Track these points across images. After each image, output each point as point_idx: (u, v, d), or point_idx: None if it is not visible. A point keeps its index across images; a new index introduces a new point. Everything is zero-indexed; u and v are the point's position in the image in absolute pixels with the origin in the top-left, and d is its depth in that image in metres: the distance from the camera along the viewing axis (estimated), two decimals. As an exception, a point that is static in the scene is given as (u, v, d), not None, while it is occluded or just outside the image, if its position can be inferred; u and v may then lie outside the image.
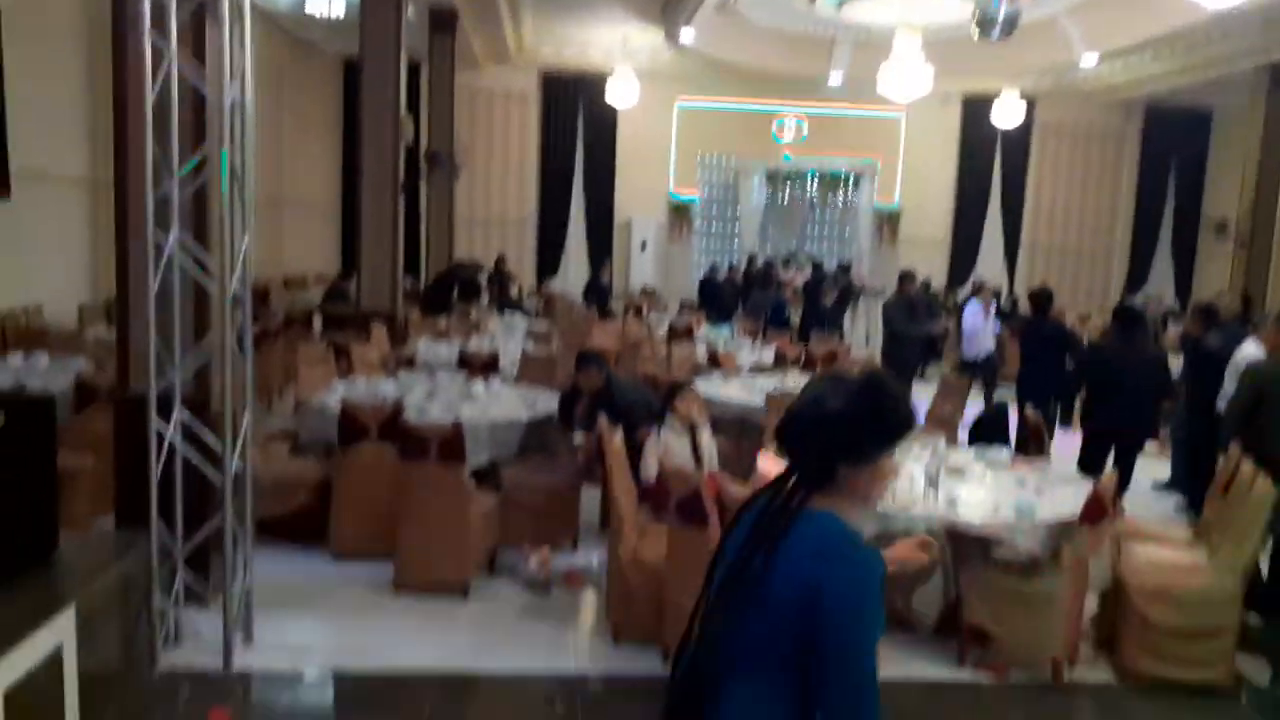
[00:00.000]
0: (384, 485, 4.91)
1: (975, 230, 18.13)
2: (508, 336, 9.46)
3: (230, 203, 3.85)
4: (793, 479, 1.75)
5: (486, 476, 5.34)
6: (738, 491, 3.77)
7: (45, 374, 6.16)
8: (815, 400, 1.74)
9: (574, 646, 4.41)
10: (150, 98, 3.67)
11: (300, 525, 5.22)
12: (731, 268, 15.50)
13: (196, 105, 3.99)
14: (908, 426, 1.75)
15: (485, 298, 13.37)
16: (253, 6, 3.89)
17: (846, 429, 1.70)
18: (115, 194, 4.12)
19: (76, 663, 3.16)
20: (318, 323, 10.60)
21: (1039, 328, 8.17)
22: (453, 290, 13.09)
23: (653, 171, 17.59)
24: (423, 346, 8.36)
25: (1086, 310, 15.68)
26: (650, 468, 4.83)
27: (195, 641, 3.95)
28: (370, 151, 9.10)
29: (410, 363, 7.30)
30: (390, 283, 9.25)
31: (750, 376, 7.76)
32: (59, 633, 3.08)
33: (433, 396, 5.86)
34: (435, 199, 14.54)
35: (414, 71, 13.05)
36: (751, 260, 16.40)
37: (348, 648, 4.14)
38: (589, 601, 4.87)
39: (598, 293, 14.02)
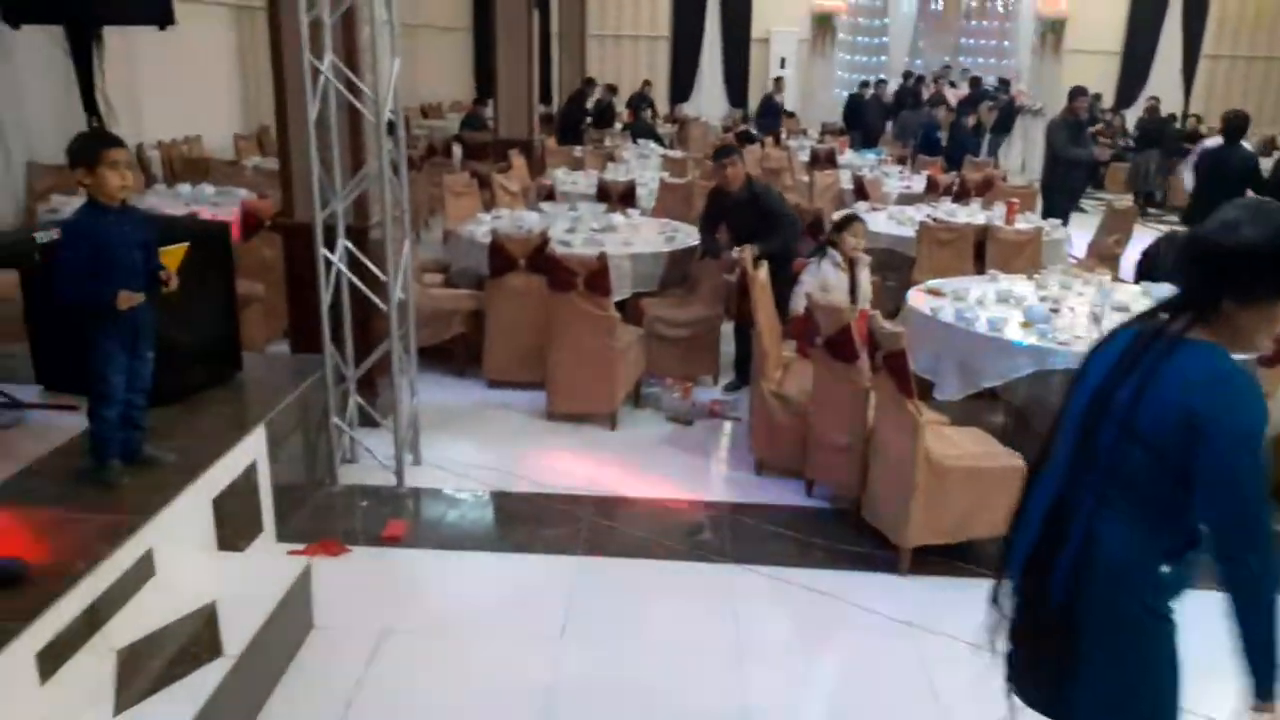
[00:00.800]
0: (533, 316, 5.01)
1: (1150, 42, 16.48)
2: (642, 166, 9.30)
3: (377, 26, 3.81)
4: (1171, 307, 1.64)
5: (629, 309, 5.38)
6: (890, 329, 3.67)
7: (212, 202, 6.45)
8: (1229, 225, 1.59)
9: (717, 476, 4.51)
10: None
11: (452, 353, 5.44)
12: (879, 85, 14.60)
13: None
14: None
15: (618, 124, 13.13)
16: None
17: (1253, 263, 1.56)
18: (269, 19, 4.12)
19: (269, 474, 3.43)
20: (457, 151, 10.65)
21: (1226, 156, 7.48)
22: (585, 116, 12.89)
23: (794, -23, 16.52)
24: (560, 175, 8.32)
25: (1271, 133, 14.27)
26: (800, 299, 4.74)
27: (368, 460, 4.22)
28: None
29: (550, 194, 7.29)
30: (527, 109, 9.15)
31: (899, 207, 7.45)
32: (253, 449, 3.34)
33: (575, 229, 5.87)
34: (566, 16, 14.10)
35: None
36: (908, 77, 15.37)
37: (506, 469, 4.34)
38: (731, 433, 4.94)
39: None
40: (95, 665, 2.38)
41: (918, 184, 8.64)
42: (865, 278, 5.00)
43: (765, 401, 4.34)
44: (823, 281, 4.80)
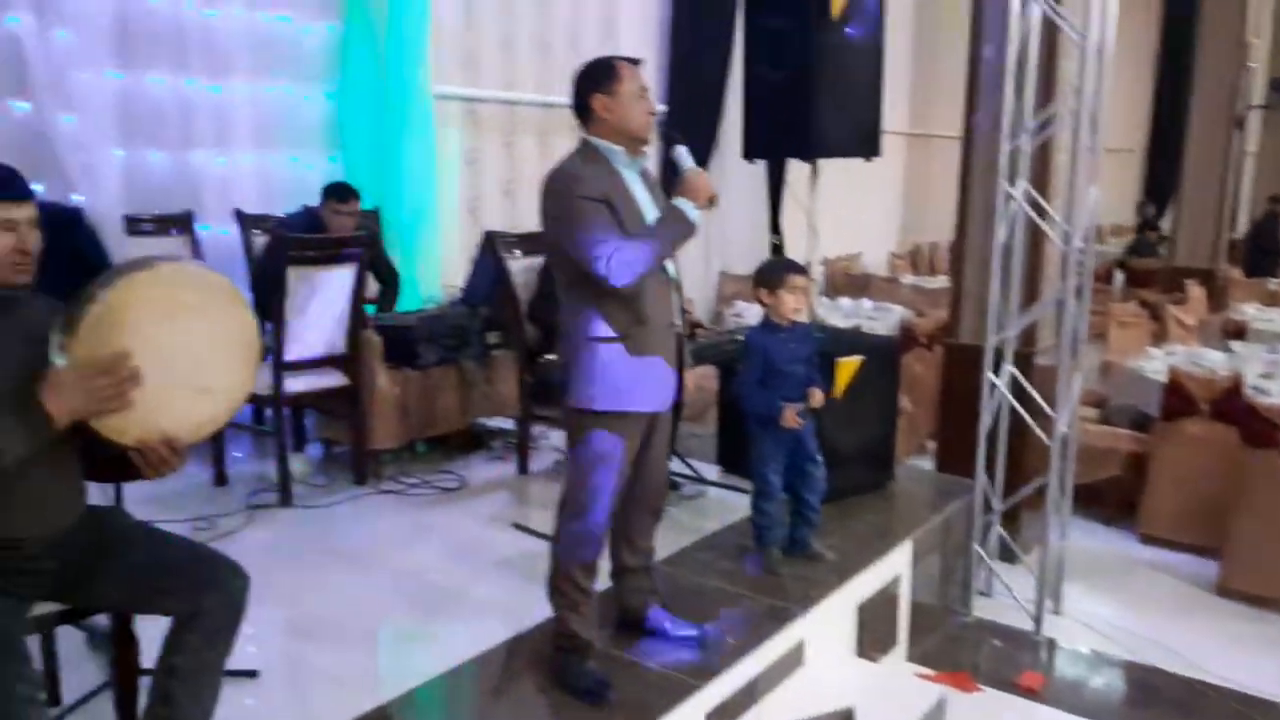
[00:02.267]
0: (1214, 469, 4.34)
1: None
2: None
3: (1077, 153, 3.67)
4: None
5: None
6: None
7: (869, 316, 6.82)
8: None
9: None
10: (1014, 47, 3.64)
11: (1102, 496, 4.94)
12: None
13: (1051, 54, 3.88)
14: None
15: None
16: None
17: None
18: (963, 146, 4.24)
19: (909, 591, 3.41)
20: (1118, 278, 9.93)
21: None
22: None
23: None
24: (1251, 311, 7.23)
25: None
26: None
27: (1003, 597, 3.98)
28: (1205, 79, 8.05)
29: (1239, 332, 6.36)
30: (1213, 235, 8.19)
31: None
32: (899, 561, 3.35)
33: (1273, 374, 4.99)
34: (1269, 129, 12.40)
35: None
36: None
37: (1159, 642, 3.77)
38: None
39: None
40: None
41: None
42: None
43: None
44: None
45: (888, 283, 8.55)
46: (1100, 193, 3.78)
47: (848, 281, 8.66)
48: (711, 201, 2.36)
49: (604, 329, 2.36)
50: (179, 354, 1.90)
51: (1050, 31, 3.83)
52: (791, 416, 3.01)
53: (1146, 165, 15.22)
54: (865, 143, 3.94)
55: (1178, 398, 4.60)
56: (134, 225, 4.43)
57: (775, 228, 8.75)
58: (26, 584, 1.90)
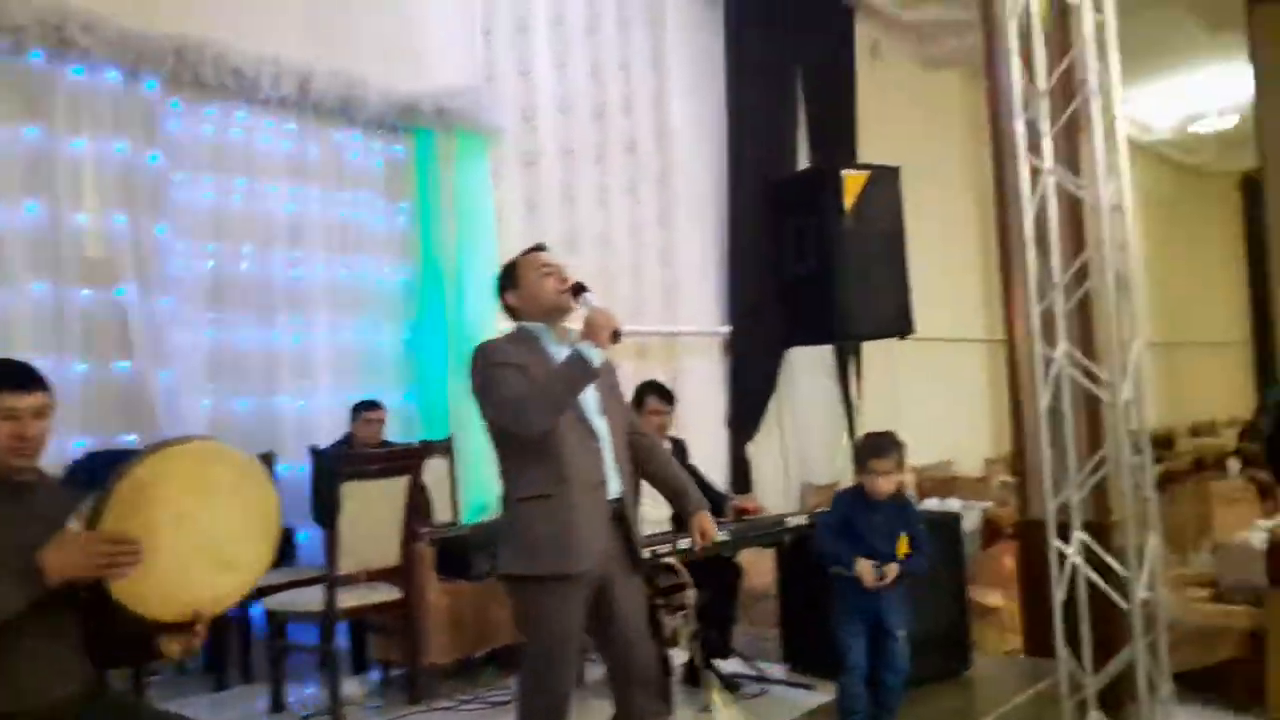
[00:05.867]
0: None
1: None
2: None
3: (1117, 307, 3.63)
4: None
5: None
6: None
7: (957, 515, 6.56)
8: None
9: None
10: (1030, 212, 3.73)
11: (1227, 681, 4.44)
12: None
13: (1075, 217, 3.95)
14: None
15: None
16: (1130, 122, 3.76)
17: None
18: (1005, 313, 4.24)
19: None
20: (1233, 466, 9.36)
21: None
22: None
23: None
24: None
25: None
26: None
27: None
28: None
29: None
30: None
31: None
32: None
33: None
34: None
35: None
36: None
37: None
38: None
39: None
40: None
41: None
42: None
43: None
44: None
45: (978, 482, 8.26)
46: (1144, 347, 3.69)
47: (936, 485, 8.40)
48: (616, 336, 2.42)
49: (526, 489, 2.43)
50: (205, 527, 2.00)
51: (1070, 196, 3.92)
52: (868, 570, 2.95)
53: (1255, 355, 14.75)
54: (896, 323, 4.00)
55: (1287, 564, 4.21)
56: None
57: (852, 431, 8.69)
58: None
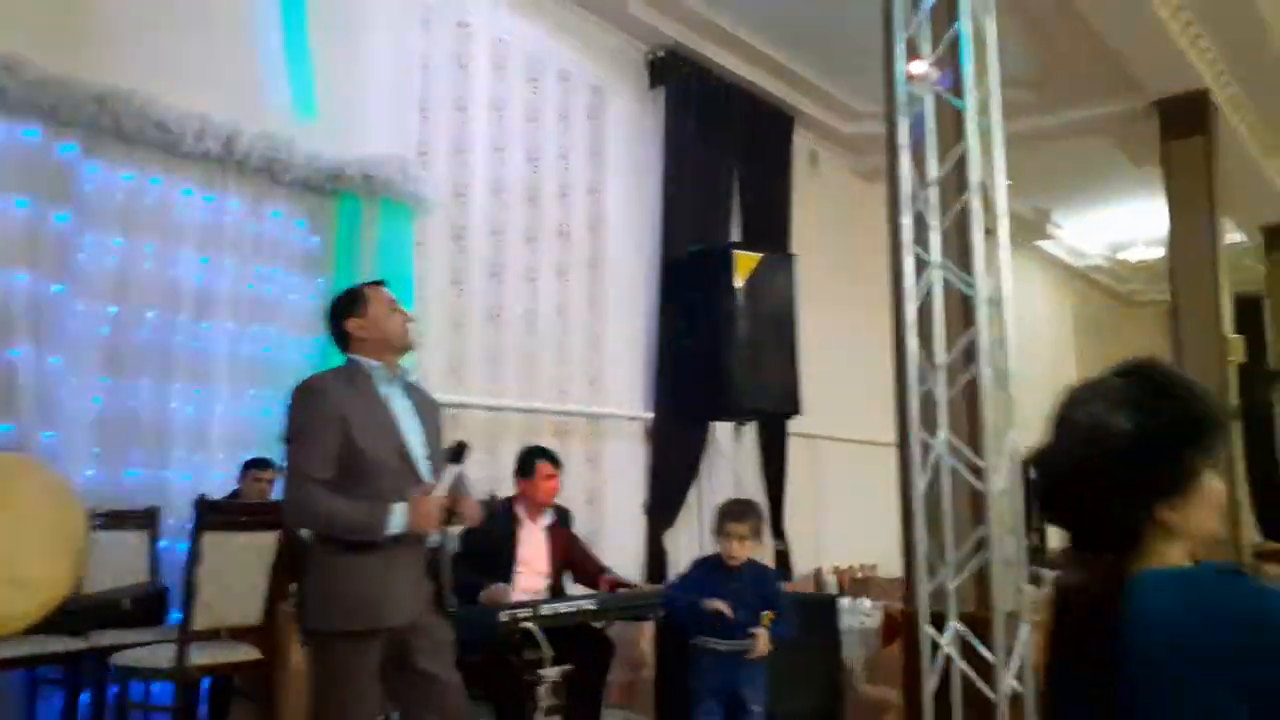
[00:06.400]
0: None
1: None
2: None
3: (993, 397, 3.70)
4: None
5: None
6: None
7: (866, 615, 6.49)
8: (1089, 431, 1.30)
9: None
10: (913, 302, 3.82)
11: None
12: None
13: (967, 311, 4.05)
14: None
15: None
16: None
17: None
18: (896, 404, 4.28)
19: None
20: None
21: None
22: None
23: None
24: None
25: None
26: None
27: None
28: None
29: None
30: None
31: None
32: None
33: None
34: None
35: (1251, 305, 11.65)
36: None
37: None
38: None
39: None
40: None
41: None
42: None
43: None
44: None
45: (890, 583, 8.21)
46: (1019, 438, 3.74)
47: (854, 585, 8.35)
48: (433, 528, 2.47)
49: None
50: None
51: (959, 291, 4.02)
52: (722, 605, 2.90)
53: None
54: (784, 402, 4.03)
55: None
56: (97, 520, 4.52)
57: (778, 532, 8.63)
58: None
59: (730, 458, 8.13)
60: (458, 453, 2.51)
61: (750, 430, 8.30)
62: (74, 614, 4.36)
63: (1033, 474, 1.61)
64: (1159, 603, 1.25)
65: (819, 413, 8.12)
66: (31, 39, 4.28)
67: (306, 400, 2.43)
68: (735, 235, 8.18)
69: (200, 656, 3.62)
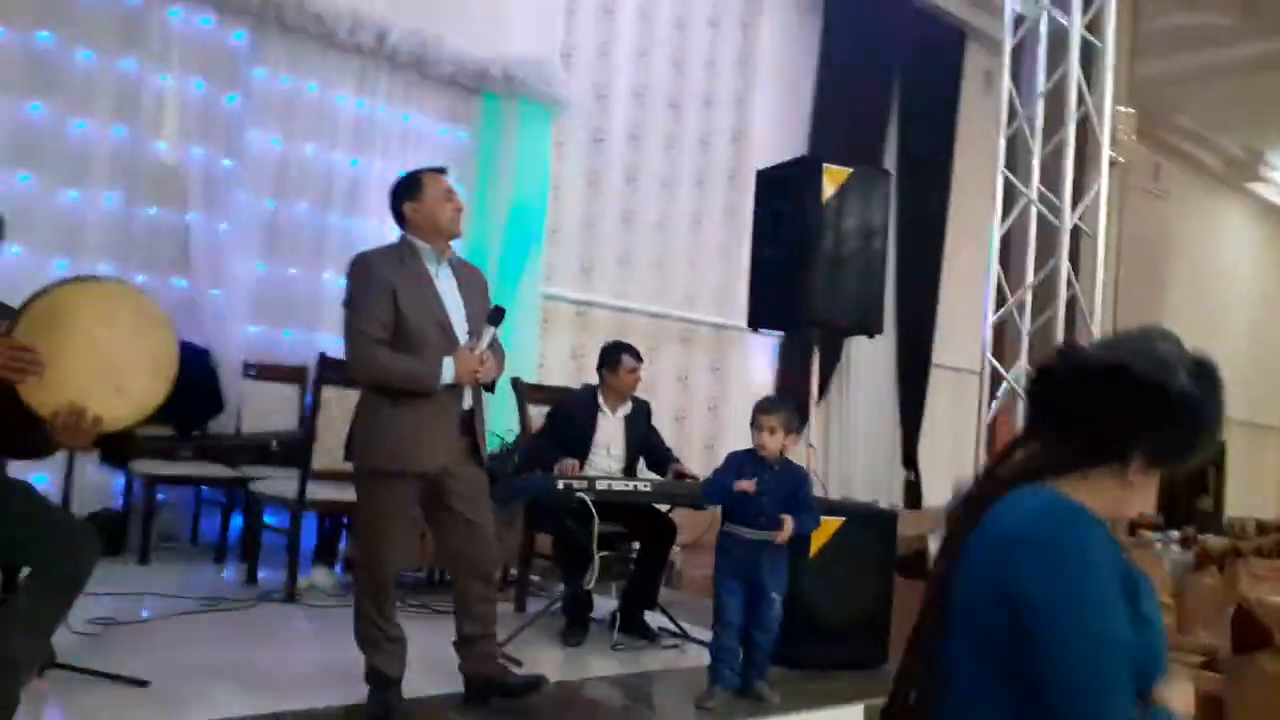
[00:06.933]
0: (1280, 709, 3.75)
1: None
2: None
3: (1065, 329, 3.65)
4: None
5: None
6: None
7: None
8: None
9: None
10: (999, 228, 3.78)
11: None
12: None
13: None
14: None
15: None
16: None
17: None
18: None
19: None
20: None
21: None
22: None
23: None
24: None
25: None
26: None
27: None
28: None
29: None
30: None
31: None
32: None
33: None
34: None
35: None
36: None
37: None
38: None
39: None
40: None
41: None
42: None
43: None
44: None
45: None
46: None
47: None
48: (477, 378, 2.77)
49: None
50: (108, 354, 2.38)
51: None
52: (744, 484, 3.09)
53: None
54: (863, 319, 4.08)
55: (1247, 629, 4.07)
56: (250, 370, 5.19)
57: (909, 461, 8.57)
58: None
59: (865, 381, 8.17)
60: (496, 316, 2.82)
61: (890, 355, 8.24)
62: (231, 449, 5.13)
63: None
64: (1001, 509, 1.32)
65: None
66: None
67: (360, 272, 2.76)
68: (891, 154, 8.02)
69: (316, 492, 4.14)
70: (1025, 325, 3.73)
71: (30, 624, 2.29)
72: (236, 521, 4.94)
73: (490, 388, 2.90)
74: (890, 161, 7.91)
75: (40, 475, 3.11)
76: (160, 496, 4.67)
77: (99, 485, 4.65)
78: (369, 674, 2.76)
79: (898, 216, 7.24)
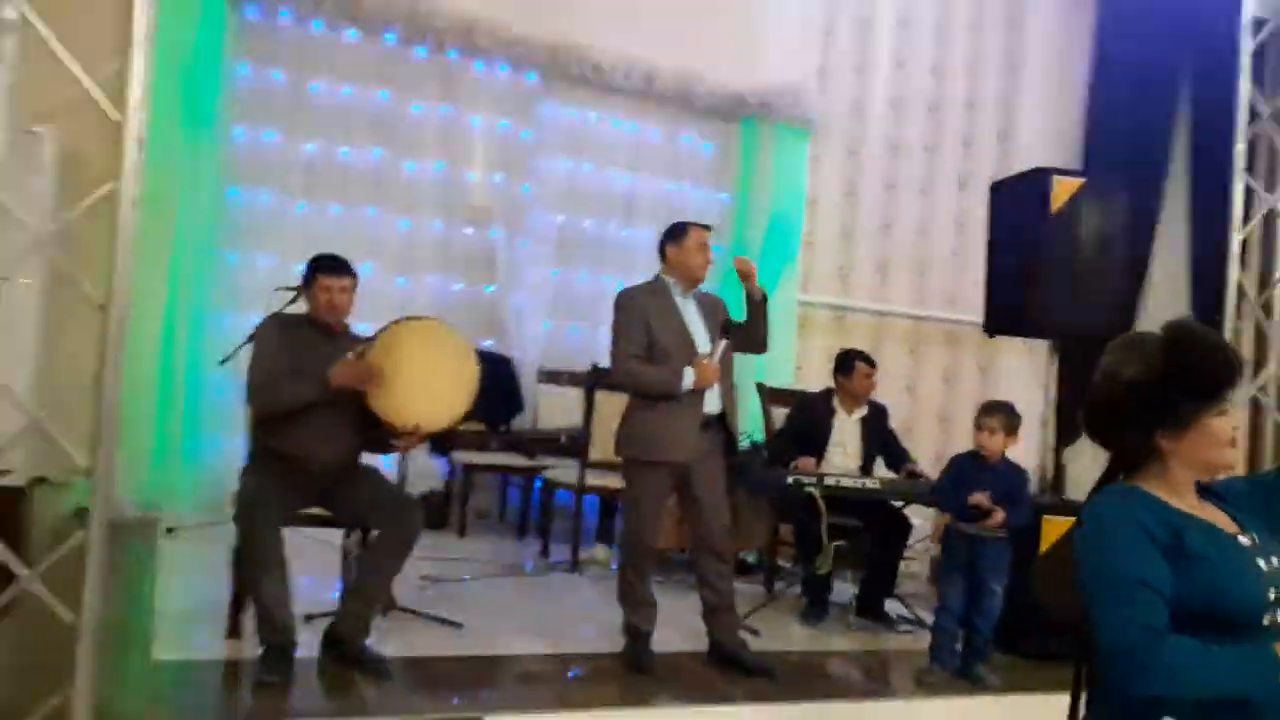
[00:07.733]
0: None
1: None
2: None
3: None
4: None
5: None
6: None
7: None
8: (1105, 376, 1.65)
9: None
10: (1238, 233, 3.74)
11: None
12: None
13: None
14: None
15: None
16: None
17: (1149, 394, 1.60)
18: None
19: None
20: None
21: None
22: None
23: None
24: None
25: None
26: None
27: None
28: None
29: None
30: None
31: None
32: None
33: None
34: None
35: None
36: None
37: None
38: None
39: None
40: None
41: None
42: None
43: None
44: None
45: None
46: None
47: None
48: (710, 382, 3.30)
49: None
50: (429, 372, 3.17)
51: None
52: (983, 498, 3.38)
53: None
54: (1104, 326, 4.13)
55: None
56: (543, 375, 6.08)
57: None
58: (300, 487, 3.16)
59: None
60: (727, 329, 3.36)
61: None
62: (529, 441, 6.01)
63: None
64: (1087, 508, 1.67)
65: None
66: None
67: (622, 306, 3.40)
68: (1179, 153, 7.45)
69: (593, 479, 4.86)
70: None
71: (376, 570, 3.11)
72: (534, 502, 5.81)
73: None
74: (1180, 157, 7.39)
75: (386, 461, 4.00)
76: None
77: (428, 470, 5.68)
78: (626, 627, 3.37)
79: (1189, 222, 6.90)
